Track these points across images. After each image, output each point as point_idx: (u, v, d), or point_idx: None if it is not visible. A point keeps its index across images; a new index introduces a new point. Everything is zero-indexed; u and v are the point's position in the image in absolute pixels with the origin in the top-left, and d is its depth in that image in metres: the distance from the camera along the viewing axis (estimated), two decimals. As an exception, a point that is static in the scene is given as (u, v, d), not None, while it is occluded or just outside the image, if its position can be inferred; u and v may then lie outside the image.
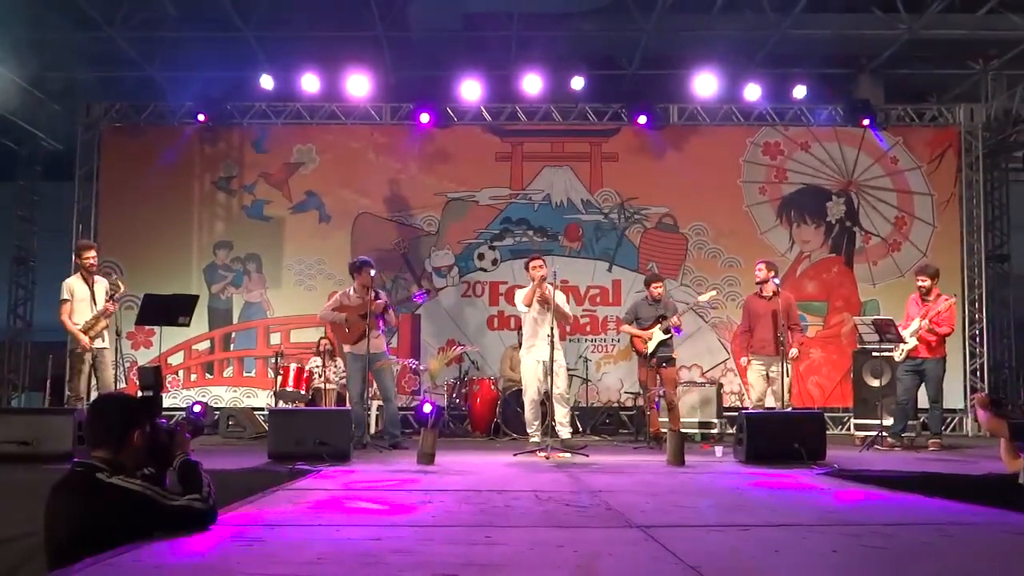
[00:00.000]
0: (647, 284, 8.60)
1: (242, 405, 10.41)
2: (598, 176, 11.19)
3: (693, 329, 10.43)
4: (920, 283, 8.10)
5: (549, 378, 7.19)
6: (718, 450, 7.49)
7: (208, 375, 10.89)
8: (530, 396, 7.45)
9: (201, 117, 10.81)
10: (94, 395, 7.19)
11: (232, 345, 11.00)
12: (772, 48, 10.23)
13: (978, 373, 10.86)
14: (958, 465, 6.50)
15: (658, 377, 8.20)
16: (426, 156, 11.14)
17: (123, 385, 8.22)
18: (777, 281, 8.19)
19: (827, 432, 6.71)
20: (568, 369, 8.06)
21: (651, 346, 8.17)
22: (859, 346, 9.16)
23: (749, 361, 8.23)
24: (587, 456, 6.88)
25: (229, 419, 9.65)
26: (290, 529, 3.35)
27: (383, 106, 11.18)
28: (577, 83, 10.59)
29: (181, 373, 10.83)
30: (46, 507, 2.85)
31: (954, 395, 10.43)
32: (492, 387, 9.90)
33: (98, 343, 7.45)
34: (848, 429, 9.92)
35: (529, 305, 7.46)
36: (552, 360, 7.13)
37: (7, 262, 11.54)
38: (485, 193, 11.12)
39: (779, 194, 11.16)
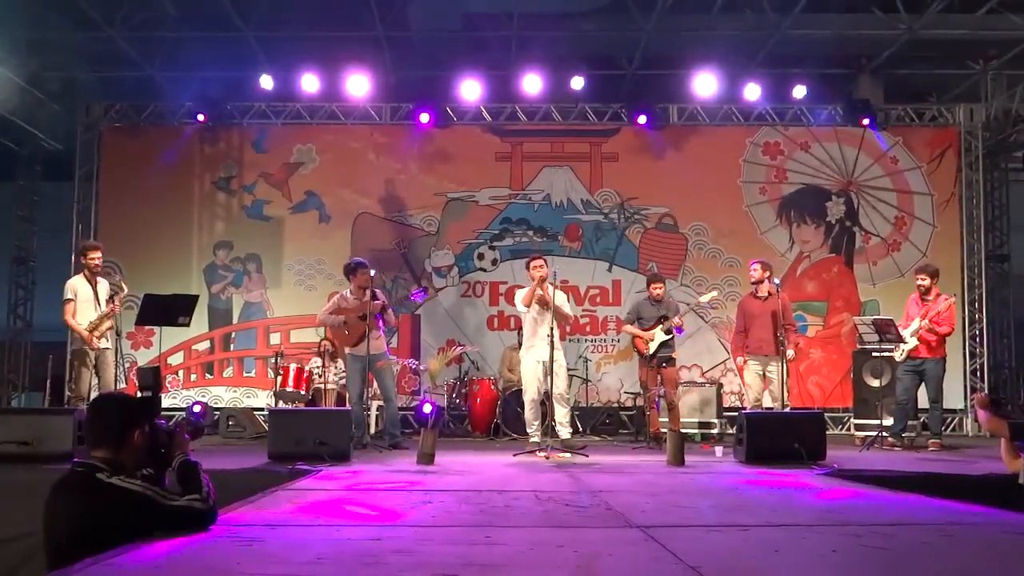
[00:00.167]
0: (648, 284, 8.60)
1: (242, 405, 10.41)
2: (598, 176, 11.19)
3: (693, 329, 10.43)
4: (920, 282, 8.10)
5: (549, 378, 7.19)
6: (718, 450, 7.50)
7: (208, 375, 10.89)
8: (530, 396, 7.45)
9: (201, 117, 10.82)
10: (95, 395, 7.19)
11: (232, 345, 11.00)
12: (772, 48, 10.23)
13: (978, 373, 10.86)
14: (958, 465, 6.50)
15: (659, 377, 8.21)
16: (426, 156, 11.14)
17: (123, 385, 8.21)
18: (777, 281, 8.19)
19: (827, 432, 6.71)
20: (568, 369, 8.06)
21: (653, 347, 8.17)
22: (859, 346, 9.16)
23: (745, 361, 8.23)
24: (587, 456, 6.88)
25: (229, 419, 9.65)
26: (290, 529, 3.35)
27: (383, 106, 11.18)
28: (577, 83, 10.59)
29: (181, 373, 10.83)
30: (45, 507, 2.84)
31: (954, 395, 10.43)
32: (492, 387, 9.90)
33: (101, 343, 7.47)
34: (848, 429, 9.92)
35: (528, 305, 7.45)
36: (552, 360, 7.13)
37: (7, 262, 11.54)
38: (485, 193, 11.12)
39: (779, 194, 11.17)
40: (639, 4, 9.50)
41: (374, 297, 7.72)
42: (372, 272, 7.86)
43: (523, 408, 7.74)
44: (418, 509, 3.99)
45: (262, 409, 9.94)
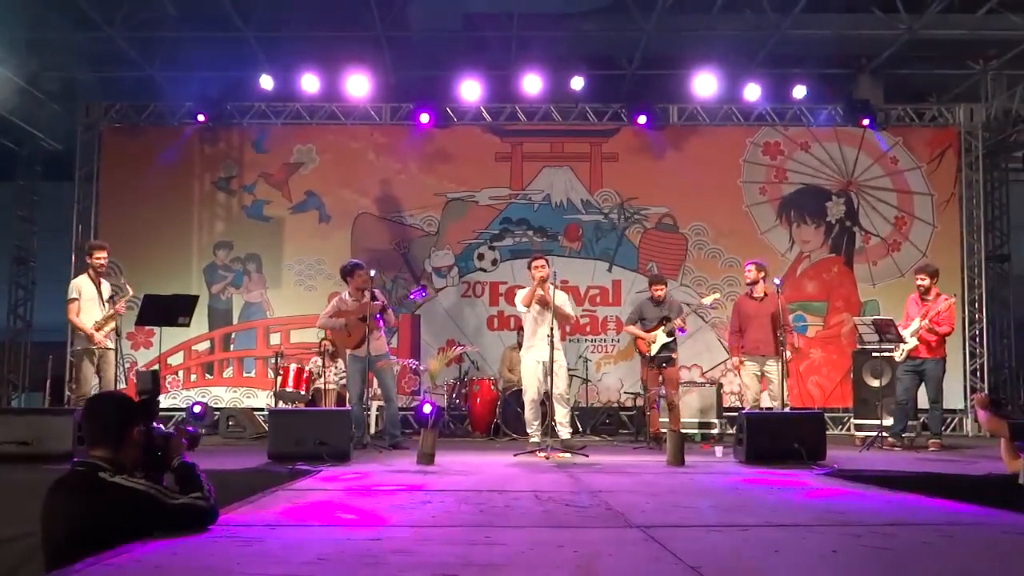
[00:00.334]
0: (650, 285, 8.61)
1: (242, 405, 10.41)
2: (598, 176, 11.19)
3: (693, 329, 10.42)
4: (919, 282, 8.09)
5: (549, 378, 7.19)
6: (718, 450, 7.50)
7: (208, 375, 10.89)
8: (530, 396, 7.44)
9: (201, 117, 10.82)
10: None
11: (232, 345, 11.00)
12: (772, 48, 10.23)
13: (978, 373, 10.86)
14: (958, 465, 6.50)
15: (660, 377, 8.21)
16: (426, 156, 11.14)
17: (123, 386, 8.21)
18: (777, 281, 8.17)
19: (827, 432, 6.71)
20: (568, 369, 8.06)
21: (655, 348, 8.17)
22: (859, 346, 9.15)
23: (742, 362, 8.23)
24: (587, 456, 6.88)
25: (229, 419, 9.65)
26: (290, 529, 3.35)
27: (383, 106, 11.18)
28: (577, 83, 10.58)
29: (181, 373, 10.83)
30: (43, 507, 2.84)
31: (954, 395, 10.43)
32: (492, 387, 9.90)
33: (105, 342, 7.46)
34: (848, 429, 9.92)
35: (528, 306, 7.45)
36: (552, 360, 7.12)
37: (7, 262, 11.54)
38: (485, 193, 11.12)
39: (779, 194, 11.17)
40: (639, 4, 9.50)
41: (373, 298, 7.72)
42: (372, 272, 7.87)
43: (523, 408, 7.74)
44: (418, 509, 3.99)
45: (262, 409, 9.94)
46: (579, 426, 9.44)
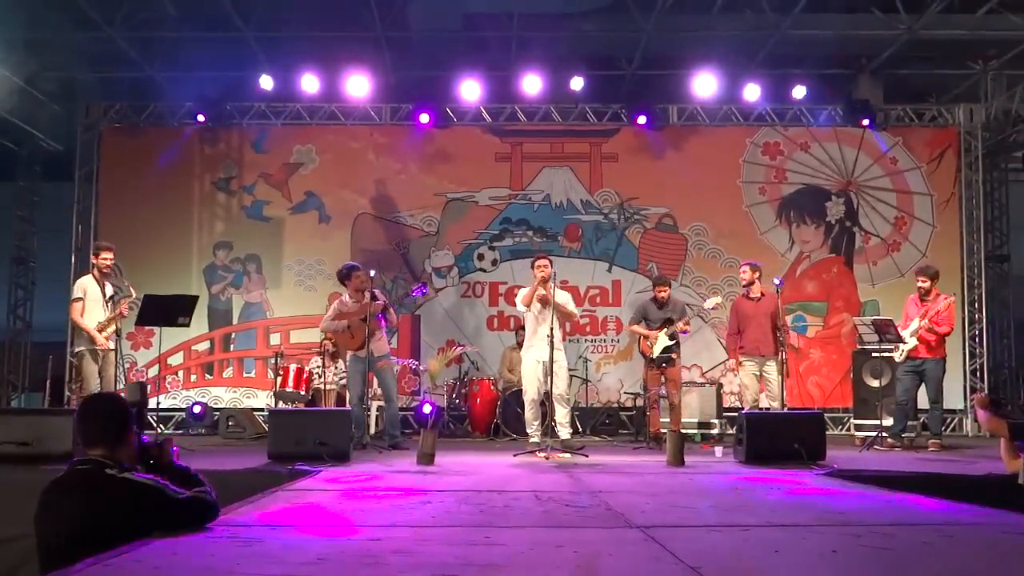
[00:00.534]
0: (654, 287, 8.62)
1: (242, 406, 10.41)
2: (598, 176, 11.19)
3: (693, 329, 10.36)
4: (920, 284, 8.09)
5: (549, 378, 7.19)
6: (718, 450, 7.49)
7: (208, 375, 10.89)
8: (530, 396, 7.44)
9: (201, 118, 10.82)
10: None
11: (232, 346, 11.00)
12: (772, 48, 10.23)
13: (978, 373, 10.86)
14: (958, 465, 6.50)
15: (662, 377, 8.21)
16: (426, 156, 11.14)
17: (122, 386, 8.20)
18: (777, 281, 8.17)
19: (827, 432, 6.71)
20: (568, 369, 8.06)
21: (656, 350, 8.17)
22: (859, 346, 9.15)
23: (741, 362, 8.23)
24: (587, 456, 6.88)
25: (229, 419, 9.66)
26: (290, 529, 3.35)
27: (383, 106, 11.19)
28: (577, 83, 10.59)
29: (181, 374, 10.83)
30: (38, 509, 2.84)
31: (954, 395, 10.43)
32: (492, 387, 9.90)
33: (109, 343, 7.46)
34: (848, 429, 9.92)
35: (528, 305, 7.46)
36: (552, 360, 7.12)
37: (7, 262, 11.54)
38: (485, 193, 11.12)
39: (779, 194, 11.17)
40: (639, 4, 9.50)
41: (374, 298, 7.72)
42: (372, 272, 7.87)
43: (523, 408, 7.74)
44: (418, 509, 3.99)
45: (262, 409, 9.94)
46: (579, 426, 9.44)
